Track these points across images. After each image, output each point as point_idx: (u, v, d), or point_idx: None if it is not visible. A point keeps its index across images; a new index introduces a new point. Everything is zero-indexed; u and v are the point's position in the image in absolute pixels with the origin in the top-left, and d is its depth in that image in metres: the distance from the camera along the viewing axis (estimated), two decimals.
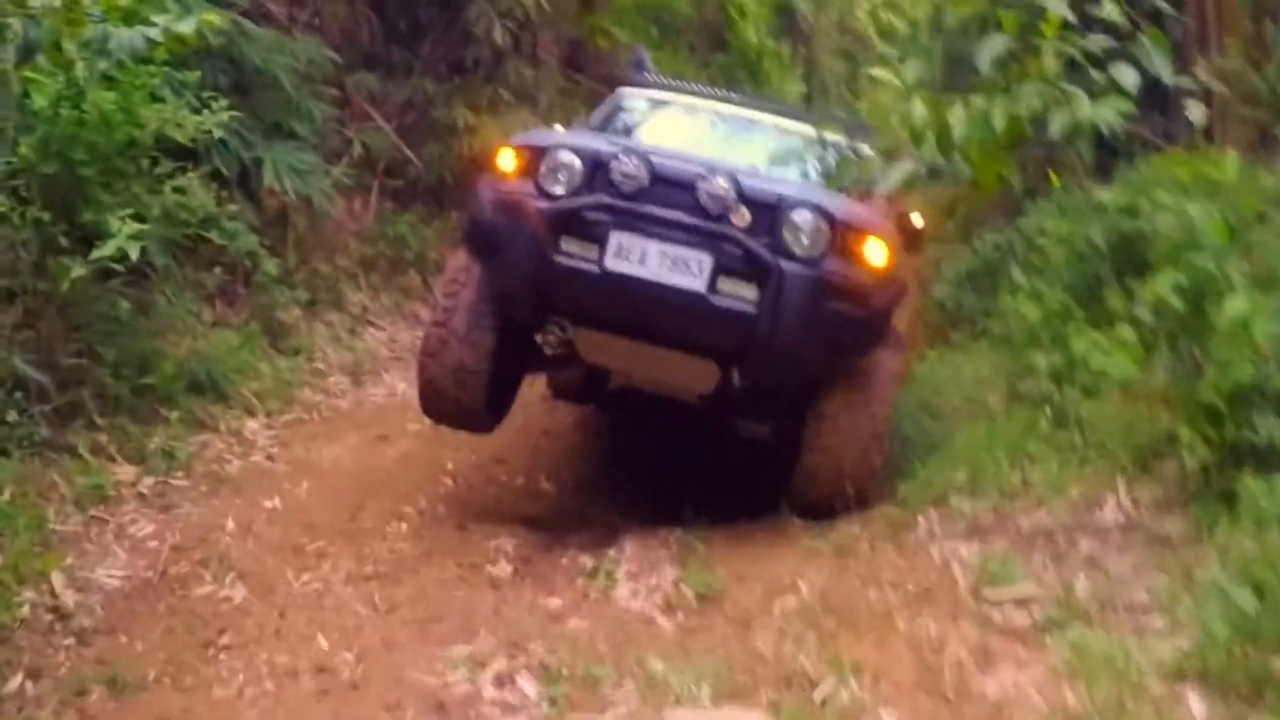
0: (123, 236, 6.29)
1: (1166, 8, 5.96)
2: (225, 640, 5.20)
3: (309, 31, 11.51)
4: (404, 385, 9.69)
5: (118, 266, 6.50)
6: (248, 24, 9.27)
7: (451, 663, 4.87)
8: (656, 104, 8.36)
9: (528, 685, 4.71)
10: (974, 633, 4.63)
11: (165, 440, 7.05)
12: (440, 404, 6.83)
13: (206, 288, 8.85)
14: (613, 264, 6.11)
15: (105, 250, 6.30)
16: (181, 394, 7.53)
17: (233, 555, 5.98)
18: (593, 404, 9.03)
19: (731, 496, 7.13)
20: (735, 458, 8.19)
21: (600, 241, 6.15)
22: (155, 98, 6.86)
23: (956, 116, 5.52)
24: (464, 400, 6.73)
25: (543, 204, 6.23)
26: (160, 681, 4.87)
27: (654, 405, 7.56)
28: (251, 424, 8.03)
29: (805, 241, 6.11)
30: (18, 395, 6.16)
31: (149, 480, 6.68)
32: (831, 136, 6.98)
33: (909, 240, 7.07)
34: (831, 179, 7.16)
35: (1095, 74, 5.35)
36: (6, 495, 5.73)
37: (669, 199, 6.16)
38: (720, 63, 20.52)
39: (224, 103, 7.42)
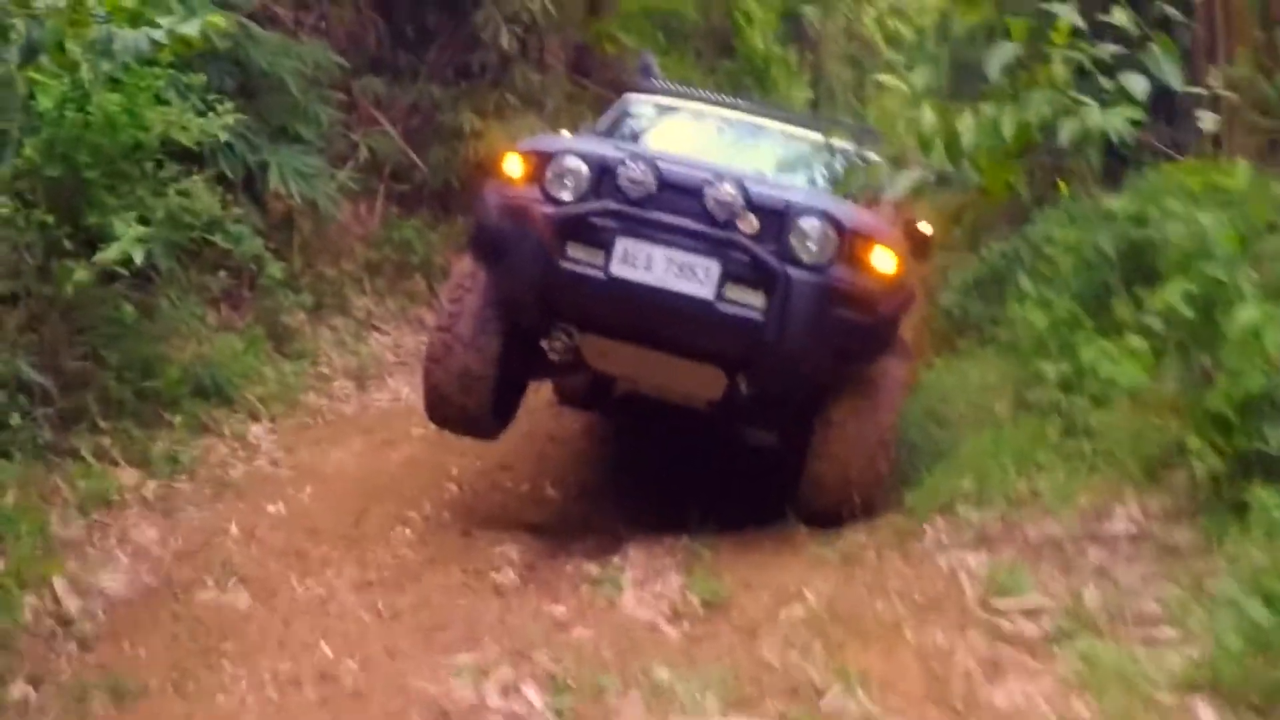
0: (127, 240, 6.28)
1: (1176, 15, 5.93)
2: (228, 647, 5.17)
3: (315, 35, 11.50)
4: (409, 390, 9.67)
5: (122, 270, 6.48)
6: (254, 27, 9.26)
7: (455, 671, 4.83)
8: (663, 110, 8.34)
9: (533, 694, 4.67)
10: (982, 643, 4.61)
11: (169, 444, 7.03)
12: (445, 409, 6.80)
13: (211, 291, 8.83)
14: (619, 270, 6.09)
15: (109, 253, 6.29)
16: (185, 398, 7.52)
17: (236, 561, 5.96)
18: (598, 410, 9.00)
19: (738, 503, 7.10)
20: (741, 464, 8.16)
21: (607, 247, 6.12)
22: (160, 100, 6.84)
23: (965, 124, 5.49)
24: (469, 406, 6.70)
25: (549, 209, 6.20)
26: (163, 689, 4.85)
27: (660, 411, 7.53)
28: (255, 428, 8.02)
29: (813, 248, 6.08)
30: (21, 398, 6.14)
31: (152, 485, 6.65)
32: (839, 143, 6.96)
33: (917, 247, 7.05)
34: (839, 186, 7.14)
35: (1105, 82, 5.32)
36: (9, 499, 5.71)
37: (676, 205, 6.13)
38: (727, 69, 20.51)
39: (229, 106, 7.40)
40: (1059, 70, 5.33)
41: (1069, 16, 5.28)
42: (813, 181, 7.48)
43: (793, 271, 6.03)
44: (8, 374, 6.09)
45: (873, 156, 6.82)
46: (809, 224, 6.11)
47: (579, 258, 6.17)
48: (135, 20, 5.22)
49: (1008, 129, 5.34)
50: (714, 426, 7.65)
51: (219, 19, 5.51)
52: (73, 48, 5.11)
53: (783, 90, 22.06)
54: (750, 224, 6.10)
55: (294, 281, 9.98)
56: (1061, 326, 6.57)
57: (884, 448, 6.50)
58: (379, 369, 10.39)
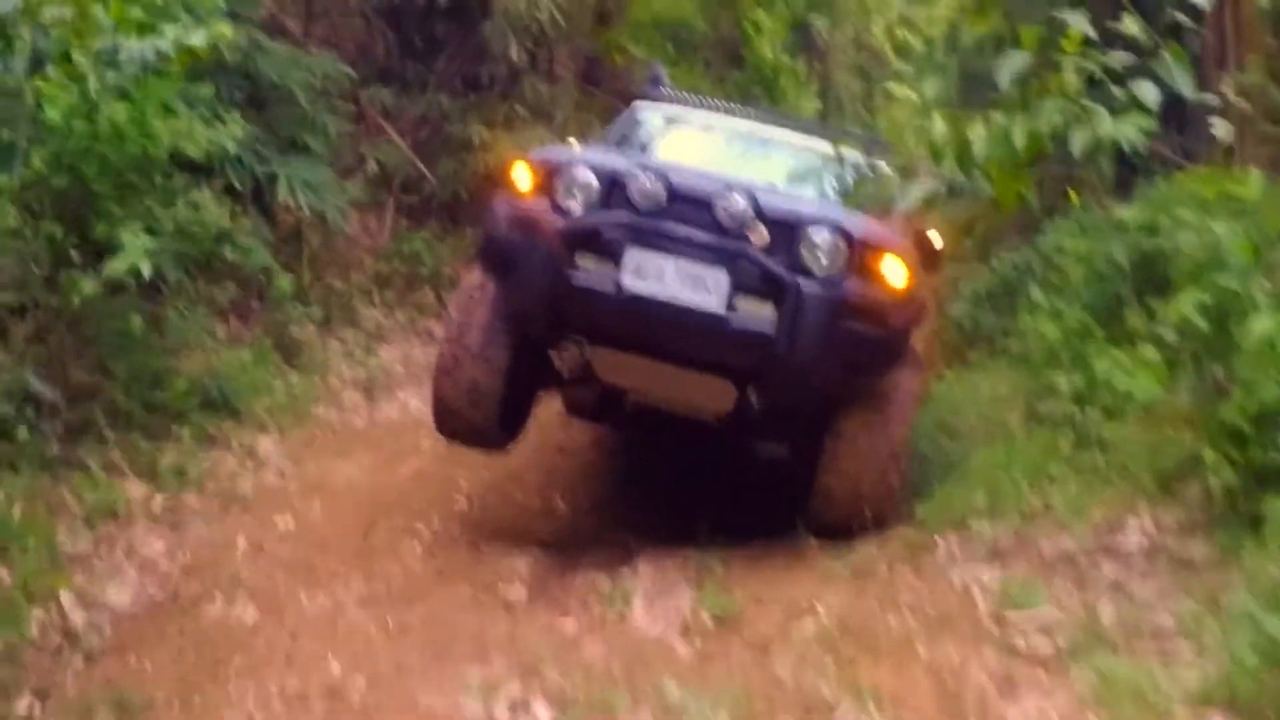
0: (134, 251, 6.26)
1: (1187, 22, 5.90)
2: (235, 662, 5.14)
3: (324, 46, 11.51)
4: (418, 403, 9.62)
5: (130, 281, 6.46)
6: (263, 38, 9.26)
7: (464, 688, 4.80)
8: (673, 120, 8.31)
9: (542, 711, 4.64)
10: (996, 659, 4.58)
11: (177, 457, 7.01)
12: (454, 422, 6.78)
13: (219, 303, 8.83)
14: (629, 282, 6.06)
15: (117, 265, 6.28)
16: (194, 410, 7.50)
17: (244, 575, 5.94)
18: (608, 422, 8.96)
19: (748, 515, 7.07)
20: (751, 476, 8.13)
21: (616, 259, 6.09)
22: (169, 111, 6.82)
23: (977, 133, 5.47)
24: (478, 419, 6.67)
25: (559, 221, 6.17)
26: (169, 704, 4.83)
27: (670, 423, 7.50)
28: (264, 441, 7.99)
29: (824, 260, 6.05)
30: (28, 410, 6.14)
31: (160, 498, 6.63)
32: (849, 153, 6.93)
33: (927, 259, 7.00)
34: (849, 197, 7.11)
35: (1116, 90, 5.29)
36: (16, 512, 5.69)
37: (686, 216, 6.10)
38: (736, 79, 20.50)
39: (238, 117, 7.39)
40: (1070, 79, 5.30)
41: (1080, 25, 5.25)
42: (823, 192, 7.45)
43: (803, 283, 5.99)
44: (15, 386, 6.08)
45: (883, 167, 6.79)
46: (820, 235, 6.07)
47: (589, 269, 6.14)
48: (144, 30, 5.21)
49: (1019, 138, 5.31)
50: (723, 439, 7.62)
51: (226, 29, 5.49)
52: (80, 58, 5.10)
53: (791, 100, 22.03)
54: (761, 235, 6.07)
55: (303, 294, 9.97)
56: (1073, 338, 6.54)
57: (895, 461, 6.45)
58: (388, 381, 10.35)
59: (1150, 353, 5.86)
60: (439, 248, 12.43)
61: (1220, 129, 5.61)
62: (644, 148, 7.90)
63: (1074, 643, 4.55)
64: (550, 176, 6.31)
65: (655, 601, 5.83)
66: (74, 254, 6.39)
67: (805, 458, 6.74)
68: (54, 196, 6.36)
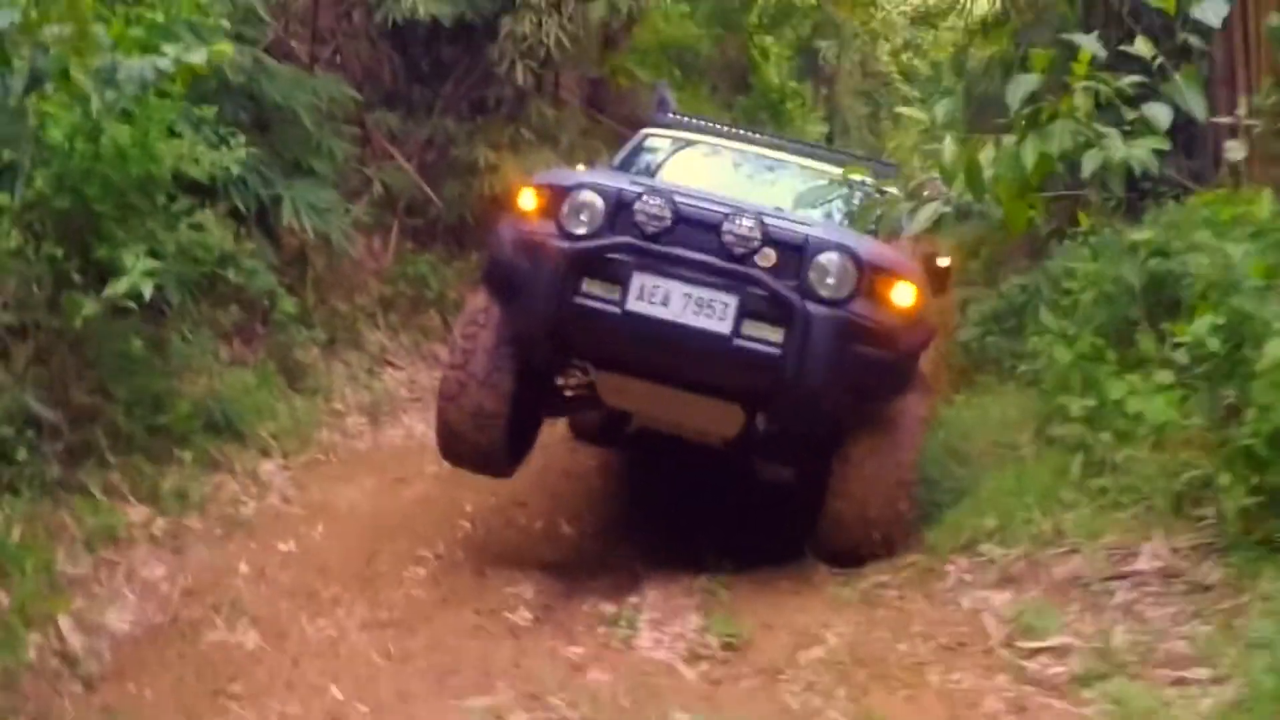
0: (136, 273, 6.20)
1: (1199, 43, 5.87)
2: (236, 689, 5.07)
3: (330, 69, 11.51)
4: (423, 426, 9.59)
5: (132, 303, 6.42)
6: (268, 60, 9.22)
7: (468, 716, 4.74)
8: (680, 144, 8.29)
9: None
10: (1009, 686, 4.54)
11: (179, 481, 6.94)
12: (459, 447, 6.73)
13: (223, 326, 8.77)
14: (635, 306, 6.01)
15: (118, 287, 6.21)
16: (196, 434, 7.42)
17: (245, 600, 5.87)
18: (614, 446, 8.92)
19: (754, 536, 7.03)
20: (757, 498, 8.08)
21: (623, 283, 6.05)
22: (173, 133, 6.79)
23: (987, 156, 5.44)
24: (483, 444, 6.63)
25: (564, 244, 6.13)
26: None
27: (676, 446, 7.46)
28: (267, 465, 7.92)
29: (832, 283, 6.01)
30: (29, 433, 6.06)
31: (161, 521, 6.55)
32: (856, 177, 6.90)
33: (936, 281, 6.97)
34: (857, 220, 7.07)
35: (1128, 112, 5.26)
36: (15, 535, 5.61)
37: (693, 240, 6.07)
38: (743, 104, 20.55)
39: (242, 139, 7.35)
40: (1081, 101, 5.27)
41: (1091, 47, 5.23)
42: (830, 216, 7.41)
43: (811, 307, 5.95)
44: (16, 408, 6.01)
45: (891, 190, 6.75)
46: (828, 258, 6.04)
47: (594, 293, 6.10)
48: (146, 48, 5.17)
49: (1029, 161, 5.27)
50: (729, 462, 7.57)
51: (226, 47, 5.44)
52: (82, 78, 5.05)
53: (798, 125, 22.10)
54: (768, 259, 6.03)
55: (307, 317, 9.92)
56: (1085, 361, 6.48)
57: (904, 486, 6.41)
58: (392, 405, 10.32)
59: (1163, 375, 5.81)
60: (444, 271, 12.42)
61: (1234, 150, 5.58)
62: (651, 171, 7.88)
63: (1087, 668, 4.49)
64: (556, 200, 6.28)
65: (662, 627, 5.78)
66: (76, 275, 6.33)
67: (812, 482, 6.70)
68: (56, 217, 6.31)
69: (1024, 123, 5.35)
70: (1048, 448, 6.69)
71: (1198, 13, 5.23)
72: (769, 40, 22.33)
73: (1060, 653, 4.67)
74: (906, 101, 23.17)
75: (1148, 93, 5.36)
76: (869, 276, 6.09)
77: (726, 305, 5.98)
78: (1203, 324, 5.19)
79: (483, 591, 6.29)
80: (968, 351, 10.99)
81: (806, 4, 22.62)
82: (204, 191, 7.43)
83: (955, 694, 4.52)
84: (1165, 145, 5.22)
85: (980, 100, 15.33)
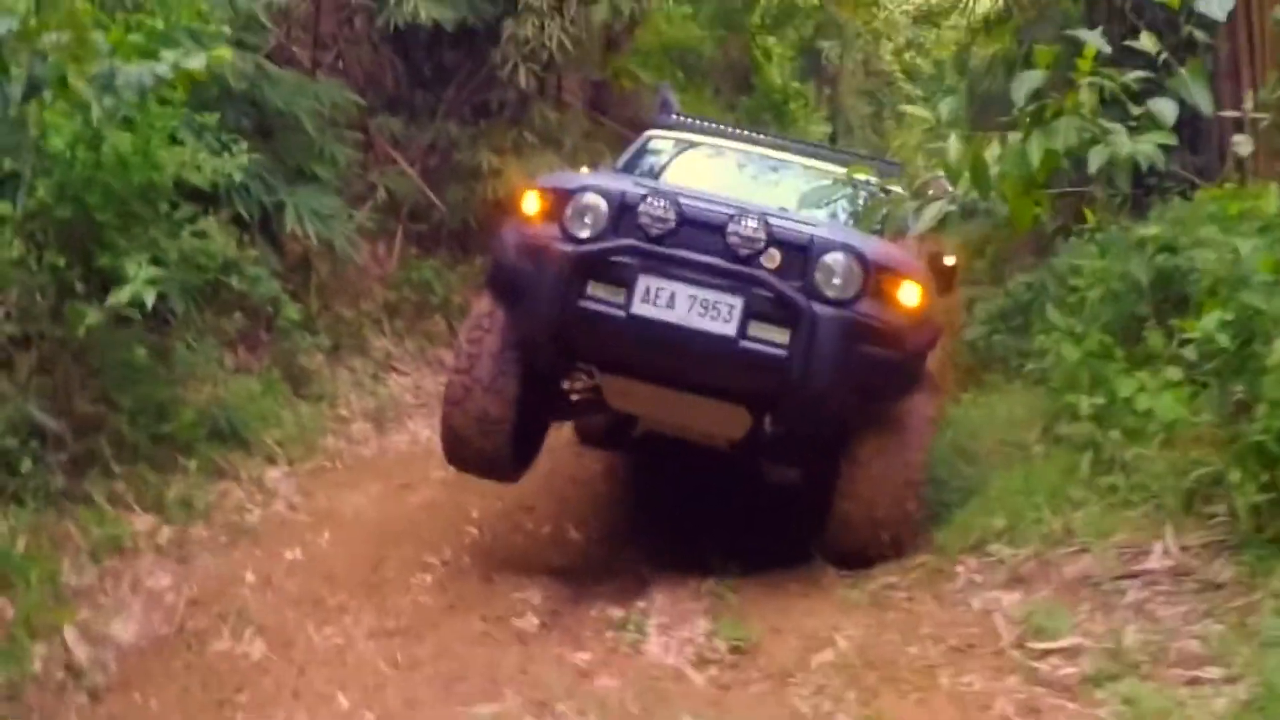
0: (139, 282, 6.18)
1: (1204, 37, 5.84)
2: (242, 699, 5.05)
3: (332, 74, 11.48)
4: (428, 432, 9.55)
5: (136, 312, 6.39)
6: (270, 66, 9.21)
7: None
8: (684, 145, 8.26)
9: None
10: (1020, 688, 4.51)
11: (184, 489, 6.91)
12: (464, 453, 6.71)
13: (227, 334, 8.74)
14: (640, 309, 5.98)
15: (121, 296, 6.19)
16: (201, 442, 7.40)
17: (251, 609, 5.85)
18: (620, 449, 8.90)
19: (761, 539, 7.00)
20: (764, 501, 8.05)
21: (628, 285, 6.02)
22: (175, 140, 6.77)
23: (992, 154, 5.41)
24: (488, 449, 6.60)
25: (568, 247, 6.10)
26: None
27: (682, 449, 7.43)
28: (273, 472, 7.90)
29: (838, 283, 5.98)
30: (33, 443, 6.04)
31: (167, 531, 6.53)
32: (861, 176, 6.87)
33: (942, 280, 6.93)
34: (862, 219, 7.04)
35: (1133, 107, 5.24)
36: (20, 546, 5.59)
37: (698, 242, 6.04)
38: (746, 105, 20.53)
39: (245, 146, 7.33)
40: (1086, 97, 5.25)
41: (1095, 42, 5.20)
42: (835, 216, 7.38)
43: (817, 307, 5.91)
44: (19, 418, 5.99)
45: (896, 190, 6.72)
46: (833, 259, 6.00)
47: (599, 296, 6.07)
48: (146, 55, 5.15)
49: (1035, 157, 5.25)
50: (736, 464, 7.54)
51: (225, 52, 5.42)
52: (81, 85, 5.02)
53: (801, 125, 22.09)
54: (774, 260, 6.00)
55: (311, 323, 9.89)
56: (1093, 359, 6.45)
57: (912, 487, 6.37)
58: (398, 411, 10.29)
59: (1172, 372, 5.77)
60: (448, 275, 12.39)
61: (1242, 145, 5.55)
62: (655, 173, 7.85)
63: (1099, 669, 4.46)
64: (559, 203, 6.25)
65: (670, 632, 5.76)
66: (79, 285, 6.31)
67: (819, 483, 6.67)
68: (58, 227, 6.28)
69: (1029, 119, 5.33)
70: (1056, 446, 6.66)
71: (1202, 6, 5.21)
72: (771, 41, 22.34)
73: (1071, 653, 4.64)
74: (910, 100, 23.18)
75: (1153, 88, 5.34)
76: (875, 276, 6.05)
77: (732, 307, 5.94)
78: (1211, 320, 5.16)
79: (490, 597, 6.27)
80: (975, 350, 10.96)
81: (809, 4, 22.64)
82: (206, 199, 7.39)
83: (966, 696, 4.49)
84: (1171, 140, 5.20)
85: (984, 98, 15.35)
